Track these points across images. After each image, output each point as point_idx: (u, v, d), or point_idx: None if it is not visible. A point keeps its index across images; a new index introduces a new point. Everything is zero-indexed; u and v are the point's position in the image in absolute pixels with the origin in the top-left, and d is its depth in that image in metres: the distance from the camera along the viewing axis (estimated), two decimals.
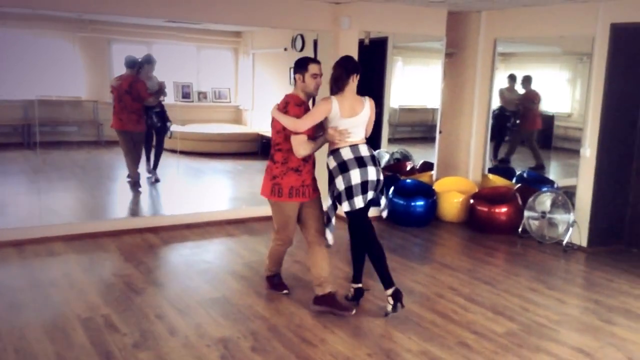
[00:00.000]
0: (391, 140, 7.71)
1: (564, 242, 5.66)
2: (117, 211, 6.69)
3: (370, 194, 3.81)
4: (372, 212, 4.12)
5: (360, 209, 3.82)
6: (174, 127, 7.85)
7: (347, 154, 3.78)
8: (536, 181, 6.57)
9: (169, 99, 8.61)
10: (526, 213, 5.91)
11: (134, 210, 6.59)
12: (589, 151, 5.62)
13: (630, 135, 5.70)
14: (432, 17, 6.59)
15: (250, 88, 10.07)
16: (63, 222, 5.54)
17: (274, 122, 3.91)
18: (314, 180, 4.05)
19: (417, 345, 3.53)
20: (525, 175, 6.84)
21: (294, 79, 3.95)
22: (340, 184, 3.78)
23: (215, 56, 9.94)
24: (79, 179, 6.76)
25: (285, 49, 9.43)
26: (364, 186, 3.76)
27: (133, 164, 6.91)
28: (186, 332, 3.59)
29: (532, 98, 7.08)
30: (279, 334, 3.62)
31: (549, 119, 7.27)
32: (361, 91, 6.28)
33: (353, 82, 3.87)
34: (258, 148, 9.93)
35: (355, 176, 3.74)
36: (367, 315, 3.97)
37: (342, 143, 3.80)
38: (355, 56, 6.22)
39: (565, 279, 4.95)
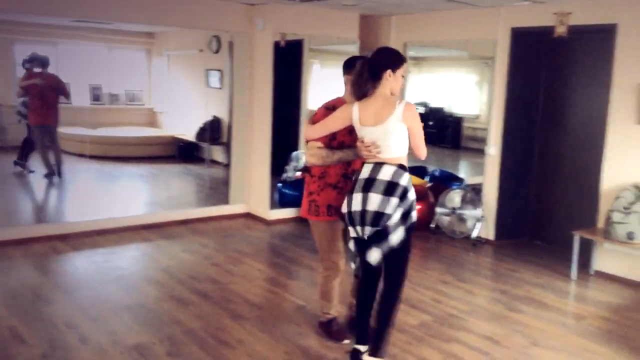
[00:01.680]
0: (309, 142, 7.77)
1: (473, 237, 5.94)
2: (24, 218, 6.35)
3: (367, 229, 3.04)
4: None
5: (360, 240, 3.11)
6: (84, 131, 7.57)
7: (364, 172, 3.10)
8: (447, 179, 6.84)
9: (79, 101, 8.29)
10: (438, 209, 6.15)
11: (42, 217, 6.29)
12: (493, 149, 5.93)
13: (530, 134, 6.05)
14: (346, 20, 6.72)
15: (165, 90, 9.86)
16: None
17: None
18: None
19: (334, 342, 3.59)
20: (437, 173, 7.11)
21: (344, 81, 3.50)
22: (344, 205, 3.16)
23: (127, 57, 9.65)
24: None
25: (201, 50, 9.30)
26: (350, 217, 3.09)
27: (49, 156, 7.05)
28: (99, 340, 3.47)
29: None
30: (196, 337, 3.57)
31: (457, 121, 7.60)
32: (278, 93, 6.36)
33: (387, 80, 3.14)
34: (175, 151, 9.74)
35: (355, 202, 3.06)
36: (285, 314, 3.99)
37: (370, 158, 3.11)
38: (271, 58, 6.24)
39: (474, 271, 5.19)
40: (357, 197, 3.04)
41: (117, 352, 3.34)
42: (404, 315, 4.04)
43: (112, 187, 7.73)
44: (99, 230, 5.63)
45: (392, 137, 3.06)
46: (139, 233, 5.76)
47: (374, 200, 3.00)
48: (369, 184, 3.03)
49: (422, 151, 3.22)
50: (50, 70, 7.37)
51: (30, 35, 7.77)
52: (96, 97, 8.93)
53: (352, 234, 3.13)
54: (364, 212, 3.01)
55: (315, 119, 3.43)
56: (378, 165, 3.06)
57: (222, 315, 3.91)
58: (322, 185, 3.41)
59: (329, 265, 3.55)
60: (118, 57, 9.43)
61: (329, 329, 3.64)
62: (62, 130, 8.27)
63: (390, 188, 3.01)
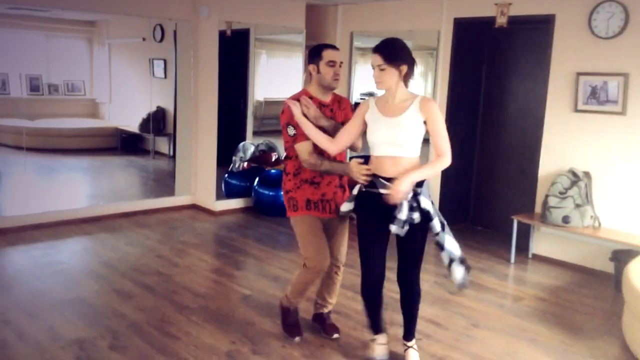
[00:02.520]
0: (256, 133, 7.73)
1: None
2: None
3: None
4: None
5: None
6: (21, 122, 7.27)
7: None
8: None
9: (16, 92, 7.98)
10: None
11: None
12: None
13: (472, 123, 6.20)
14: (292, 9, 6.70)
15: (107, 80, 9.59)
16: None
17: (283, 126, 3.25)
18: (340, 194, 3.36)
19: (280, 329, 3.59)
20: None
21: (308, 72, 3.28)
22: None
23: (67, 46, 9.33)
24: None
25: (144, 39, 9.08)
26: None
27: None
28: (37, 336, 3.37)
29: None
30: (139, 330, 3.52)
31: None
32: (224, 84, 6.28)
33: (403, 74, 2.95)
34: (117, 143, 9.50)
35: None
36: (231, 304, 3.98)
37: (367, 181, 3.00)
38: (216, 48, 6.16)
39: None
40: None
41: (57, 347, 3.25)
42: (349, 301, 4.08)
43: (51, 180, 7.49)
44: (36, 224, 5.45)
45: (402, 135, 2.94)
46: (79, 227, 5.61)
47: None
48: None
49: (442, 150, 2.97)
50: None
51: None
52: (34, 88, 8.61)
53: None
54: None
55: (287, 117, 3.19)
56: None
57: (167, 307, 3.86)
58: (298, 182, 3.28)
59: (311, 265, 3.28)
60: (57, 46, 9.11)
61: (286, 319, 3.53)
62: None
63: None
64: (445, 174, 5.99)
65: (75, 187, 7.47)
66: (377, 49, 2.94)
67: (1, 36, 7.99)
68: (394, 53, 2.91)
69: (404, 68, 2.93)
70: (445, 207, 6.08)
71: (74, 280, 4.29)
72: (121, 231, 5.57)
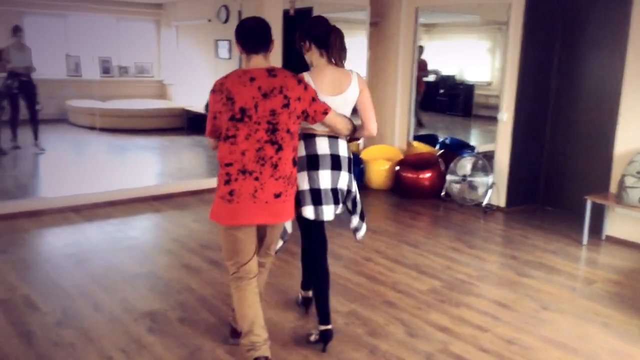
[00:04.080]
0: None
1: (484, 204, 5.91)
2: (37, 190, 6.42)
3: (339, 208, 3.05)
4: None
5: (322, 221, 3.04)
6: (94, 103, 7.57)
7: (323, 148, 2.94)
8: (458, 147, 6.79)
9: (89, 74, 8.29)
10: (448, 177, 6.12)
11: (52, 189, 6.34)
12: (505, 116, 5.85)
13: (544, 100, 5.96)
14: None
15: (174, 62, 9.82)
16: None
17: None
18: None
19: (344, 307, 3.62)
20: (447, 141, 7.05)
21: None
22: (304, 182, 2.93)
23: (136, 29, 9.61)
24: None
25: (210, 20, 9.22)
26: (335, 194, 2.98)
27: None
28: (111, 308, 3.52)
29: (422, 66, 7.30)
30: (207, 304, 3.61)
31: (469, 88, 7.51)
32: (287, 64, 6.28)
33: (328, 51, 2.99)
34: (184, 123, 9.74)
35: (325, 179, 2.94)
36: (294, 282, 4.02)
37: (319, 130, 2.94)
38: (280, 27, 6.16)
39: (484, 237, 5.18)
40: (326, 174, 2.91)
41: (130, 319, 3.38)
42: (412, 281, 4.05)
43: (123, 159, 7.77)
44: (110, 201, 5.68)
45: (349, 108, 3.00)
46: (149, 204, 5.80)
47: (344, 179, 2.98)
48: (336, 161, 2.94)
49: (369, 126, 3.05)
50: (60, 42, 7.41)
51: (39, 8, 7.75)
52: (106, 70, 8.92)
53: (328, 214, 2.96)
54: (335, 190, 2.96)
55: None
56: (333, 139, 2.96)
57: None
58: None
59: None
60: (127, 29, 9.39)
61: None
62: (72, 103, 8.31)
63: (350, 164, 3.04)
64: (514, 152, 5.84)
65: (146, 165, 7.73)
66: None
67: (75, 20, 8.30)
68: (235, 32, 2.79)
69: (307, 44, 3.02)
70: (513, 187, 5.92)
71: (145, 255, 4.45)
72: (189, 208, 5.73)
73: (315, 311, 3.16)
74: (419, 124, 7.51)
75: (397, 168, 6.44)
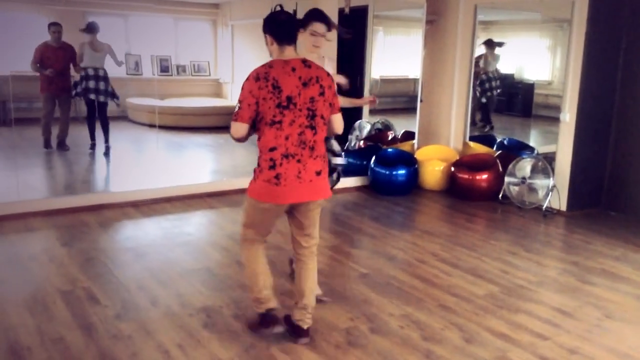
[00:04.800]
0: (372, 111, 7.69)
1: (544, 207, 5.73)
2: (97, 186, 6.63)
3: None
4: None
5: None
6: (152, 102, 7.73)
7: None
8: (516, 148, 6.61)
9: (148, 73, 8.49)
10: (506, 179, 5.95)
11: (113, 185, 6.53)
12: (568, 116, 5.65)
13: (608, 100, 5.73)
14: None
15: (229, 60, 9.95)
16: (42, 198, 5.48)
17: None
18: None
19: (398, 309, 3.56)
20: (505, 142, 6.87)
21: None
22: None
23: (193, 28, 9.79)
24: (56, 154, 6.67)
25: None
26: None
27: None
28: (168, 302, 3.59)
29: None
30: None
31: (529, 87, 7.29)
32: (342, 62, 6.26)
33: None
34: None
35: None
36: (349, 282, 3.99)
37: None
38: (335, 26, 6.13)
39: (544, 242, 5.01)
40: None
41: (185, 314, 3.43)
42: (469, 285, 3.96)
43: (180, 156, 7.92)
44: (168, 197, 5.80)
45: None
46: (204, 200, 5.89)
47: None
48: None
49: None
50: (121, 42, 7.60)
51: (101, 8, 7.98)
52: (164, 69, 9.12)
53: None
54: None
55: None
56: None
57: (287, 281, 3.95)
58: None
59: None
60: (185, 28, 9.57)
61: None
62: (132, 100, 8.54)
63: None
64: (577, 154, 5.63)
65: (201, 163, 7.86)
66: (324, 18, 3.41)
67: (135, 20, 8.52)
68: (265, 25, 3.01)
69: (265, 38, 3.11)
70: (575, 190, 5.71)
71: (200, 251, 4.52)
72: (242, 206, 5.77)
73: None
74: (489, 123, 7.33)
75: (453, 169, 6.32)
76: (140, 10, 8.10)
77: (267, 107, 2.82)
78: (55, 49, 6.85)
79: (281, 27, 2.93)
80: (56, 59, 6.80)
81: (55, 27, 6.90)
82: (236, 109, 2.86)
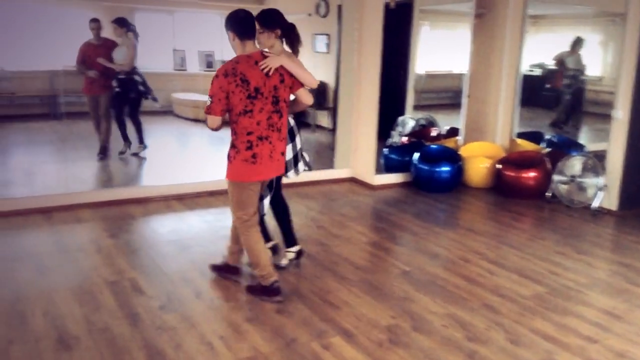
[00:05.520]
0: (416, 107, 7.60)
1: (593, 206, 5.55)
2: (143, 179, 6.76)
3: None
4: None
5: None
6: (197, 97, 7.83)
7: (290, 120, 3.78)
8: (566, 145, 6.42)
9: (193, 68, 8.61)
10: (555, 177, 5.79)
11: (158, 178, 6.63)
12: (621, 113, 5.46)
13: None
14: None
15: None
16: (90, 190, 5.62)
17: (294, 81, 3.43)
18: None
19: (441, 308, 3.51)
20: (554, 139, 6.69)
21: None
22: (289, 150, 3.75)
23: None
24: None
25: (309, 15, 9.30)
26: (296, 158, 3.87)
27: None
28: (211, 295, 3.63)
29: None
30: (302, 296, 3.63)
31: (579, 83, 7.07)
32: (386, 57, 6.19)
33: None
34: None
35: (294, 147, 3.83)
36: (390, 278, 3.96)
37: None
38: (381, 21, 6.07)
39: (594, 242, 4.85)
40: (294, 144, 3.81)
41: (229, 307, 3.47)
42: (514, 285, 3.87)
43: (223, 151, 7.98)
44: (211, 191, 5.86)
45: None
46: None
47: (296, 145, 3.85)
48: (292, 132, 3.77)
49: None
50: (168, 38, 7.65)
51: (150, 4, 8.13)
52: (209, 64, 9.22)
53: (292, 175, 3.88)
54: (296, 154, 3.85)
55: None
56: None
57: (328, 277, 3.94)
58: None
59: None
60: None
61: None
62: (177, 95, 8.67)
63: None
64: (630, 152, 5.43)
65: None
66: (258, 18, 3.53)
67: (181, 16, 8.64)
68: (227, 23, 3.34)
69: (278, 32, 3.63)
70: (627, 190, 5.52)
71: None
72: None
73: (284, 240, 4.05)
74: (560, 125, 7.12)
75: (499, 166, 6.19)
76: (187, 7, 8.22)
77: (238, 99, 3.20)
78: (96, 46, 6.70)
79: (241, 24, 3.28)
80: (97, 57, 6.62)
81: (93, 24, 6.67)
82: (208, 103, 3.21)
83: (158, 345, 3.00)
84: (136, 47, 6.78)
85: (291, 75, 3.35)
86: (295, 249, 4.06)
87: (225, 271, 3.89)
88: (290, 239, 4.05)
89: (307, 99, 3.47)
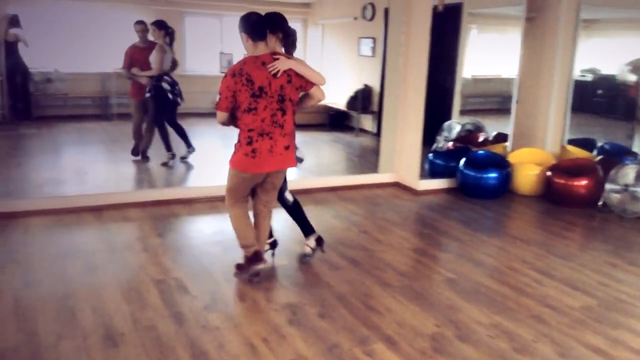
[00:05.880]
0: (462, 112, 7.49)
1: None
2: (190, 180, 6.86)
3: None
4: None
5: None
6: None
7: None
8: (618, 153, 6.21)
9: None
10: (607, 186, 5.60)
11: (203, 179, 6.72)
12: None
13: None
14: None
15: (318, 59, 10.01)
16: (138, 189, 5.74)
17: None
18: None
19: (487, 318, 3.43)
20: (607, 147, 6.48)
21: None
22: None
23: None
24: (154, 149, 6.95)
25: (355, 18, 9.29)
26: None
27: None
28: (254, 297, 3.64)
29: None
30: (345, 302, 3.61)
31: (632, 90, 6.85)
32: (432, 61, 6.11)
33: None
34: (326, 120, 9.91)
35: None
36: (434, 286, 3.90)
37: None
38: (428, 24, 6.01)
39: None
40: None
41: (271, 309, 3.48)
42: (564, 296, 3.75)
43: None
44: None
45: None
46: None
47: None
48: None
49: None
50: (215, 41, 7.71)
51: (199, 8, 8.27)
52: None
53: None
54: None
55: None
56: None
57: (371, 282, 3.91)
58: None
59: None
60: None
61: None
62: None
63: None
64: None
65: None
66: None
67: (230, 20, 8.75)
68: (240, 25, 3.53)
69: (280, 35, 3.69)
70: None
71: (286, 248, 4.55)
72: (327, 204, 5.79)
73: (302, 232, 4.26)
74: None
75: (549, 173, 6.03)
76: (235, 11, 8.30)
77: (244, 97, 3.46)
78: (142, 49, 6.58)
79: (254, 27, 3.50)
80: (144, 61, 6.51)
81: (138, 26, 6.53)
82: (217, 100, 3.52)
83: (202, 344, 3.03)
84: (167, 51, 6.56)
85: (301, 76, 3.55)
86: (313, 237, 4.27)
87: (251, 262, 3.86)
88: (306, 229, 4.27)
89: (320, 95, 3.68)
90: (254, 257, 3.82)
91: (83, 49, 7.96)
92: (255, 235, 3.89)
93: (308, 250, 4.26)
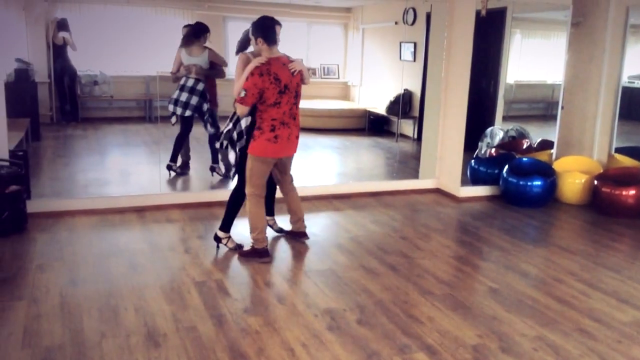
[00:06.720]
0: (506, 118, 7.35)
1: None
2: (231, 184, 6.90)
3: None
4: None
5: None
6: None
7: None
8: None
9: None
10: None
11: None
12: None
13: None
14: None
15: (359, 64, 9.99)
16: (181, 191, 5.82)
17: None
18: None
19: (532, 330, 3.35)
20: None
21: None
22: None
23: (325, 32, 9.95)
24: (197, 152, 7.03)
25: (396, 23, 9.24)
26: None
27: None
28: (294, 301, 3.64)
29: None
30: (385, 309, 3.57)
31: None
32: (475, 66, 6.02)
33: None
34: (365, 124, 9.87)
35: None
36: (476, 295, 3.82)
37: None
38: (471, 29, 5.93)
39: None
40: None
41: (310, 314, 3.46)
42: (612, 310, 3.63)
43: (307, 158, 8.07)
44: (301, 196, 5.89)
45: None
46: (330, 202, 5.94)
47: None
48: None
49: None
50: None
51: (240, 13, 8.33)
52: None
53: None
54: None
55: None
56: None
57: (411, 290, 3.86)
58: None
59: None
60: (317, 32, 9.76)
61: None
62: None
63: None
64: None
65: (328, 164, 7.96)
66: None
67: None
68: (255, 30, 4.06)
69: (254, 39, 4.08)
70: None
71: (325, 252, 4.55)
72: (367, 209, 5.76)
73: (221, 223, 4.50)
74: None
75: (596, 182, 5.86)
76: (277, 15, 8.36)
77: (271, 93, 3.97)
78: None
79: (269, 31, 4.00)
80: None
81: (186, 30, 6.40)
82: (242, 95, 3.94)
83: (241, 347, 3.04)
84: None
85: (302, 76, 4.20)
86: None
87: (258, 255, 4.28)
88: (226, 224, 4.51)
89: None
90: (261, 252, 4.26)
91: (128, 52, 8.11)
92: (293, 209, 4.64)
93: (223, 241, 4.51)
